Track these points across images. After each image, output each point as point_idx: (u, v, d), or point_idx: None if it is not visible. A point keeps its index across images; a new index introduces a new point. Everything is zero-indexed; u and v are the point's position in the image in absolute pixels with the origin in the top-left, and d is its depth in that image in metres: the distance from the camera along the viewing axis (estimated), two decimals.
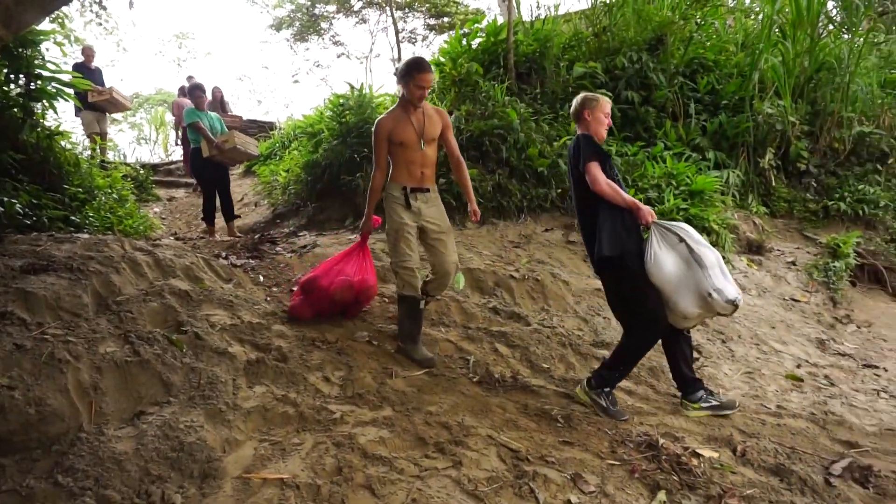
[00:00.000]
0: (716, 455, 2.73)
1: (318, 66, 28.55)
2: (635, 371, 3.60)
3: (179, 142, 9.66)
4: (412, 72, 3.25)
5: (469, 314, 3.99)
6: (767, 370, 3.97)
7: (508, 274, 4.41)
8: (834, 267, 5.53)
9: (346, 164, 6.24)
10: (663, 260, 3.02)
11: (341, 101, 6.92)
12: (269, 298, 4.04)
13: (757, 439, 2.92)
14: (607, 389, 3.13)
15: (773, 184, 6.61)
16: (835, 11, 8.71)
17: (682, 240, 3.04)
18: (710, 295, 2.90)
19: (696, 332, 4.33)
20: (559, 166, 5.63)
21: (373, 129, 3.39)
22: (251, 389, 2.75)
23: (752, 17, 8.82)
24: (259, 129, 12.39)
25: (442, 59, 7.72)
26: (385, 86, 12.12)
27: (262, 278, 4.46)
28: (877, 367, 4.27)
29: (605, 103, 3.27)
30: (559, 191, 5.62)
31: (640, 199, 5.21)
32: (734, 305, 2.94)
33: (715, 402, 3.20)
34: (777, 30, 7.39)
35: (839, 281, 5.44)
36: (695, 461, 2.64)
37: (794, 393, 3.76)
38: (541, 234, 5.26)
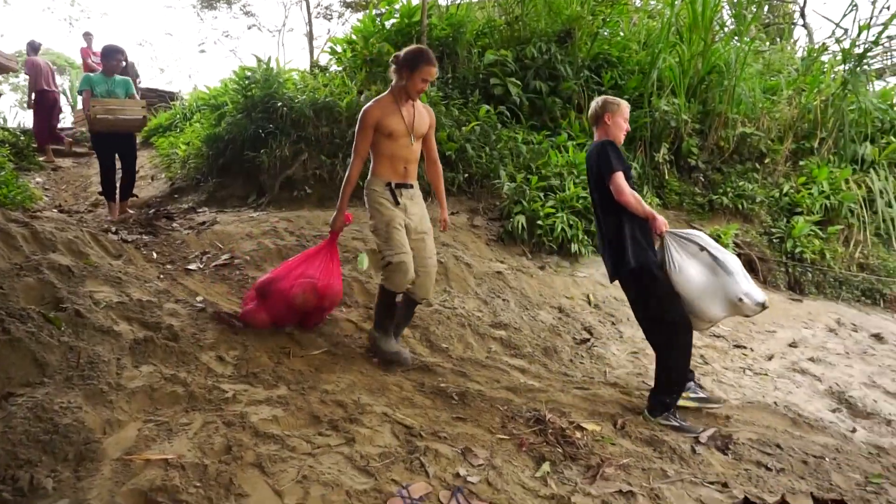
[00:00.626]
0: (598, 428, 2.92)
1: (226, 36, 27.31)
2: (529, 350, 3.77)
3: (28, 106, 8.75)
4: (420, 63, 3.09)
5: (372, 295, 4.00)
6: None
7: None
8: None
9: (250, 140, 6.04)
10: (688, 268, 3.08)
11: (247, 73, 6.66)
12: (162, 276, 3.88)
13: (636, 414, 3.15)
14: (676, 414, 3.17)
15: (667, 177, 7.03)
16: (729, 19, 9.34)
17: (703, 248, 3.12)
18: (740, 300, 3.01)
19: (590, 314, 4.57)
20: (467, 151, 5.72)
21: (359, 115, 3.19)
22: (137, 369, 2.65)
23: (655, 19, 9.28)
24: (159, 98, 11.74)
25: (354, 38, 7.62)
26: (295, 60, 11.75)
27: (155, 255, 4.27)
28: (745, 348, 4.68)
29: (626, 108, 3.29)
30: (466, 175, 5.72)
31: (543, 186, 5.42)
32: (763, 307, 3.06)
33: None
34: (676, 32, 7.81)
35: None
36: (578, 434, 2.81)
37: None
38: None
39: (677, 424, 3.11)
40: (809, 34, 14.80)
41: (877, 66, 11.52)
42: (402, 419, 2.67)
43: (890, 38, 13.18)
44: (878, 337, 5.68)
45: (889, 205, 7.19)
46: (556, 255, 5.21)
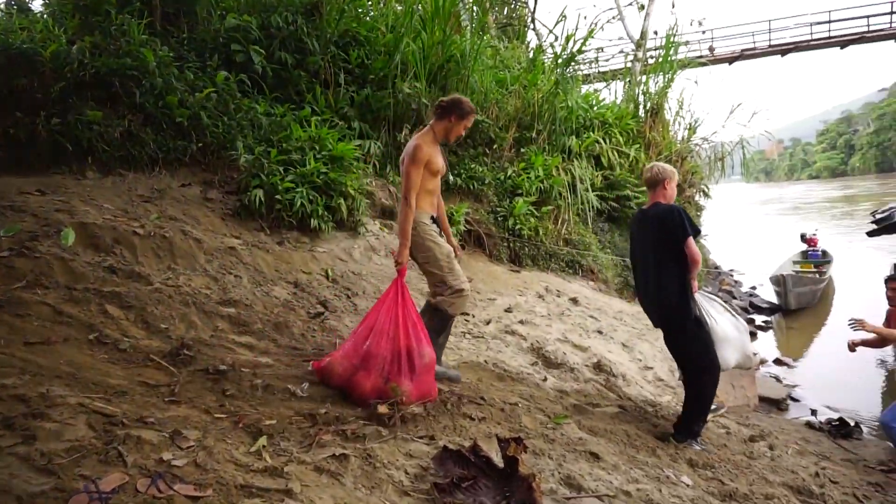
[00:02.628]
0: (322, 395, 3.00)
1: None
2: (259, 327, 3.70)
3: None
4: (469, 112, 3.43)
5: (77, 274, 3.53)
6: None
7: (132, 230, 4.03)
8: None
9: None
10: (722, 322, 3.75)
11: None
12: None
13: None
14: (701, 439, 3.68)
15: None
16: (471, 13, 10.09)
17: (726, 309, 3.85)
18: (755, 353, 3.91)
19: (327, 289, 4.64)
20: (201, 119, 5.33)
21: (413, 150, 3.30)
22: None
23: (402, 3, 9.62)
24: None
25: None
26: None
27: None
28: (468, 314, 5.21)
29: (677, 176, 3.79)
30: (200, 145, 5.33)
31: (284, 160, 5.32)
32: (761, 364, 3.91)
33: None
34: (420, 19, 8.21)
35: None
36: (302, 405, 2.87)
37: None
38: (176, 190, 4.93)
39: (699, 448, 3.63)
40: (538, 37, 16.73)
41: (587, 72, 13.54)
42: (102, 408, 2.42)
43: (597, 49, 15.61)
44: (574, 300, 6.76)
45: (587, 189, 8.57)
46: (296, 230, 5.17)
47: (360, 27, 7.83)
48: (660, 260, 3.65)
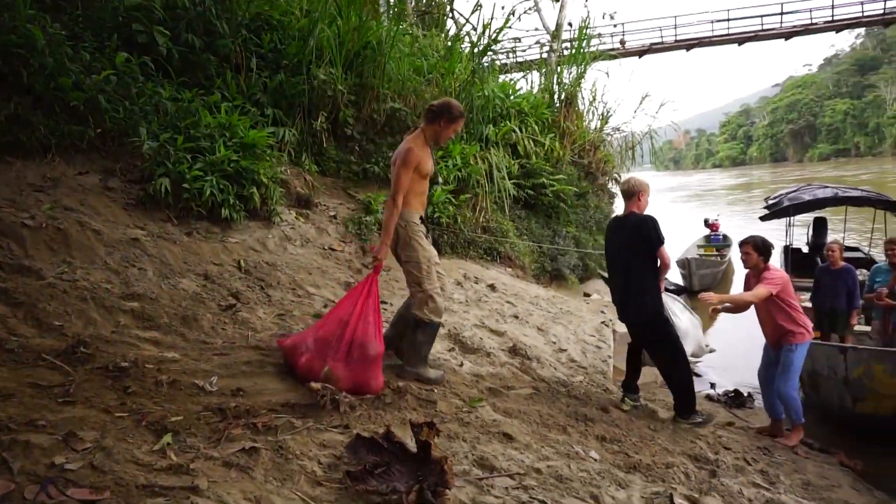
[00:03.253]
0: (233, 389, 2.94)
1: None
2: (166, 321, 3.56)
3: None
4: (458, 117, 3.57)
5: None
6: (298, 311, 4.43)
7: (20, 221, 3.76)
8: (366, 221, 6.49)
9: None
10: (684, 318, 4.24)
11: None
12: None
13: (272, 376, 3.25)
14: (698, 409, 4.24)
15: (325, 145, 7.29)
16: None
17: (685, 308, 4.44)
18: (707, 345, 4.52)
19: (239, 280, 4.51)
20: (99, 102, 5.00)
21: (405, 153, 3.47)
22: None
23: None
24: None
25: None
26: None
27: None
28: (385, 303, 5.21)
29: (650, 189, 4.21)
30: (98, 130, 5.01)
31: (191, 148, 5.10)
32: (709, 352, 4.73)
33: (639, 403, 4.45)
34: (335, 4, 8.04)
35: (369, 233, 6.42)
36: (212, 399, 2.79)
37: None
38: (73, 178, 4.61)
39: (701, 420, 4.19)
40: (457, 26, 16.80)
41: (505, 61, 13.74)
42: None
43: (514, 39, 15.86)
44: (492, 287, 6.90)
45: (504, 177, 8.74)
46: (206, 220, 4.97)
47: (272, 10, 7.57)
48: (637, 266, 4.08)
